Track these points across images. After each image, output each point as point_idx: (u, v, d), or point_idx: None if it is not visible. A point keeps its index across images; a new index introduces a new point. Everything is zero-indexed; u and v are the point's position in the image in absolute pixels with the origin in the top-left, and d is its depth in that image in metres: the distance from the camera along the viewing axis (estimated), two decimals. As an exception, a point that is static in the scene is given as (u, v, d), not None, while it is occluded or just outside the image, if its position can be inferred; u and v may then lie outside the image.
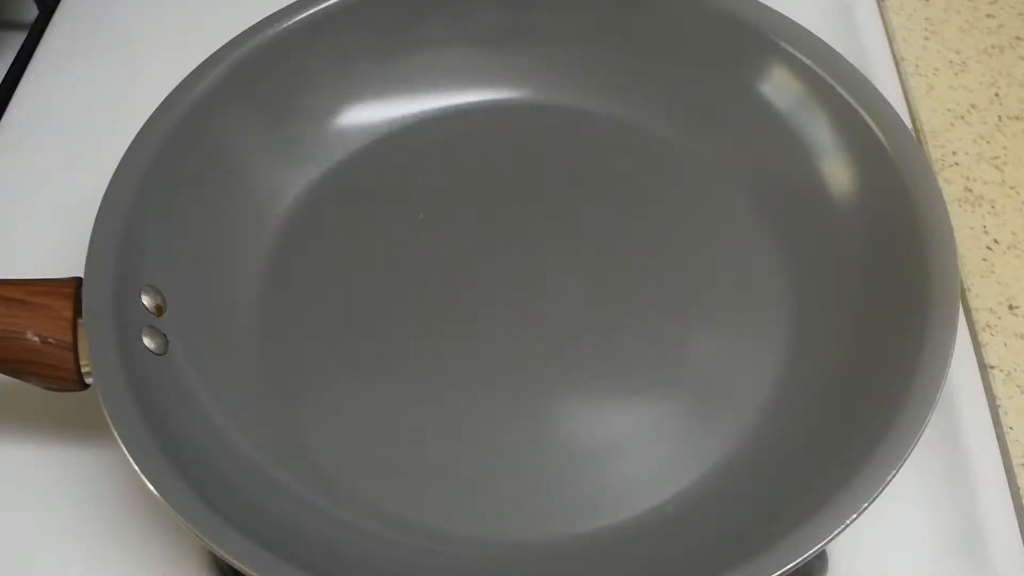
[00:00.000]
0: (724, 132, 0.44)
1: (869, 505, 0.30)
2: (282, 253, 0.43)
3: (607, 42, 0.45)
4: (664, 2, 0.44)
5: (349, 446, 0.38)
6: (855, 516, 0.30)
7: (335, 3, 0.43)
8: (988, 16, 0.53)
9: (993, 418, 0.40)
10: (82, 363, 0.34)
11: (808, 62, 0.41)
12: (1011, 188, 0.46)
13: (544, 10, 0.45)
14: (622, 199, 0.44)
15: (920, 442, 0.31)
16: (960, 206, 0.46)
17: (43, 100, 0.51)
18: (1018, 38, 0.52)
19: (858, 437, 0.33)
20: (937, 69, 0.51)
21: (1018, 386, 0.41)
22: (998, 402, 0.40)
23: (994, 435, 0.39)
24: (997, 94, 0.50)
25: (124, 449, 0.31)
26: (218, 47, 0.41)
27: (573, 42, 0.46)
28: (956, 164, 0.47)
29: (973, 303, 0.43)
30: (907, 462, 0.31)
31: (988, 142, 0.48)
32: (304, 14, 0.42)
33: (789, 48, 0.42)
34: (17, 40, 0.54)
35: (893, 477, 0.31)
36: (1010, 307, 0.43)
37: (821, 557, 0.36)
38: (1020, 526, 0.37)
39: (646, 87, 0.45)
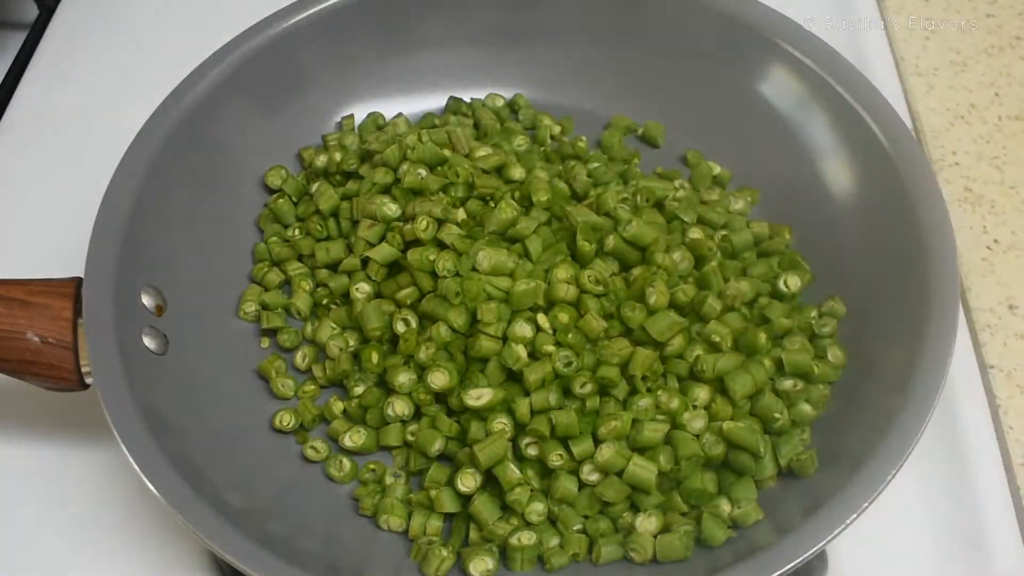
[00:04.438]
0: (724, 132, 0.44)
1: (869, 505, 0.30)
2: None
3: (607, 43, 0.45)
4: (664, 2, 0.44)
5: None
6: (855, 516, 0.30)
7: (334, 3, 0.43)
8: (988, 16, 0.53)
9: (993, 418, 0.40)
10: (82, 363, 0.34)
11: (808, 62, 0.41)
12: (1011, 188, 0.46)
13: (544, 10, 0.45)
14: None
15: (920, 442, 0.31)
16: (960, 206, 0.46)
17: (43, 100, 0.51)
18: (1018, 38, 0.52)
19: (858, 437, 0.33)
20: (937, 69, 0.51)
21: (1018, 386, 0.41)
22: (998, 402, 0.40)
23: (994, 435, 0.39)
24: (997, 94, 0.50)
25: (124, 449, 0.32)
26: (218, 47, 0.41)
27: (573, 42, 0.46)
28: (956, 164, 0.47)
29: (973, 303, 0.43)
30: (907, 462, 0.31)
31: (988, 142, 0.48)
32: (304, 14, 0.42)
33: (789, 48, 0.42)
34: (17, 40, 0.54)
35: (893, 477, 0.31)
36: (1010, 307, 0.43)
37: (821, 557, 0.36)
38: (1020, 526, 0.37)
39: (646, 87, 0.45)
